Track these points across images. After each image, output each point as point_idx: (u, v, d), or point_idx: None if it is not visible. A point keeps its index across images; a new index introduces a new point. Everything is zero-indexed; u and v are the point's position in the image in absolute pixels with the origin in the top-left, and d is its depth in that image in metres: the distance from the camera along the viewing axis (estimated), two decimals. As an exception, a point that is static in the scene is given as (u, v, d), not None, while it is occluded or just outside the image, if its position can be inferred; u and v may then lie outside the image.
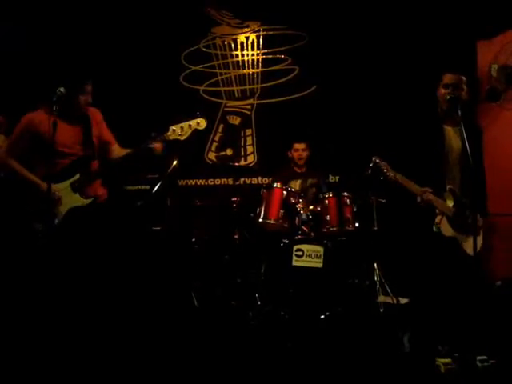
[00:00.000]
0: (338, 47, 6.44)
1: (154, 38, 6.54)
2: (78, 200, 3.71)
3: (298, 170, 5.79)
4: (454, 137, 3.83)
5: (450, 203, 3.75)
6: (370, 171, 3.93)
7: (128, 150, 3.85)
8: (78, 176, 3.74)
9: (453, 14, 5.97)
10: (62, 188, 3.69)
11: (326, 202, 4.97)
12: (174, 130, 3.72)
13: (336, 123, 6.36)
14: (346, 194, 4.88)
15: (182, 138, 3.74)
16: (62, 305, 3.61)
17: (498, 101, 6.00)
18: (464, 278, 3.69)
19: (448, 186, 3.76)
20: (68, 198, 3.69)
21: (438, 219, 3.76)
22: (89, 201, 3.75)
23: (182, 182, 6.63)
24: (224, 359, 3.74)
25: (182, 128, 3.72)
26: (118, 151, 3.96)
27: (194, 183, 6.71)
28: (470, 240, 3.61)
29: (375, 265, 5.09)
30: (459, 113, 3.61)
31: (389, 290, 4.92)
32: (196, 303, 4.94)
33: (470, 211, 3.70)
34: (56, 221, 3.65)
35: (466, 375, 3.27)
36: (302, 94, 6.65)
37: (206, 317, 4.73)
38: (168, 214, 5.63)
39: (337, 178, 6.45)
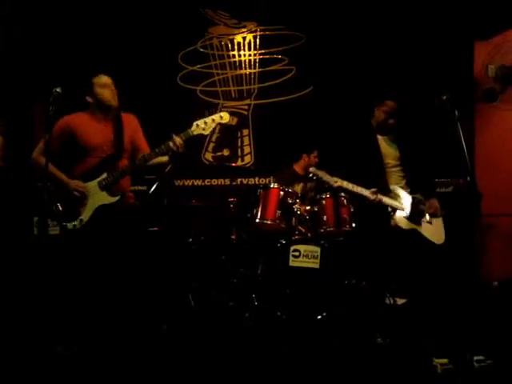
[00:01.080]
0: (335, 48, 6.45)
1: (151, 38, 6.53)
2: (105, 198, 3.79)
3: (301, 173, 5.81)
4: (387, 145, 4.23)
5: (401, 200, 4.09)
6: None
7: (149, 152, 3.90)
8: (105, 175, 3.81)
9: (450, 15, 5.98)
10: (91, 187, 3.79)
11: (323, 202, 4.96)
12: (197, 125, 3.77)
13: (332, 123, 6.36)
14: (343, 194, 4.87)
15: (206, 133, 3.79)
16: (62, 301, 3.67)
17: (495, 101, 6.01)
18: (457, 280, 3.81)
19: (391, 186, 4.13)
20: (96, 196, 3.78)
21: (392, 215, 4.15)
22: (116, 198, 3.82)
23: (178, 183, 6.63)
24: (221, 360, 3.74)
25: (205, 123, 3.77)
26: None
27: (190, 183, 6.71)
28: (430, 229, 3.93)
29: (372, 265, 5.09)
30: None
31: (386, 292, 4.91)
32: (193, 303, 4.93)
33: (427, 201, 4.12)
34: (84, 218, 3.74)
35: (462, 375, 3.27)
36: (298, 94, 6.66)
37: (202, 317, 4.72)
38: (165, 214, 5.61)
39: (334, 178, 6.44)
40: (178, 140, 3.73)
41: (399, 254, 4.05)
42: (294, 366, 3.63)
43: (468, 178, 3.71)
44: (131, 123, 4.07)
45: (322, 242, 4.71)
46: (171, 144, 3.73)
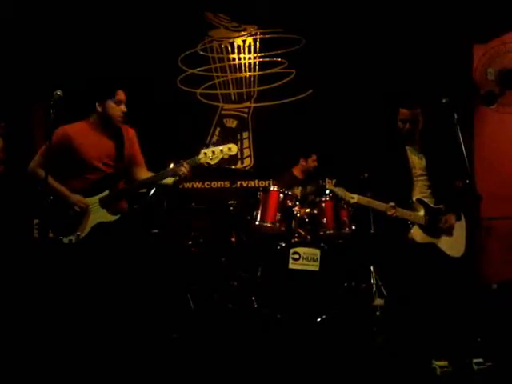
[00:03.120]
0: (335, 51, 6.46)
1: (151, 40, 6.53)
2: (105, 216, 3.74)
3: (300, 177, 5.82)
4: (413, 155, 4.11)
5: (421, 212, 3.98)
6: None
7: (151, 174, 3.89)
8: (107, 192, 3.76)
9: (449, 19, 5.99)
10: (91, 202, 3.73)
11: (323, 205, 4.98)
12: (205, 154, 3.73)
13: (332, 126, 6.38)
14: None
15: (213, 163, 3.75)
16: (63, 306, 3.64)
17: (494, 105, 6.02)
18: (450, 280, 3.79)
19: (415, 198, 4.01)
20: (96, 212, 3.73)
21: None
22: (116, 217, 3.77)
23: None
24: (220, 362, 3.74)
25: (213, 152, 3.73)
26: (143, 173, 3.97)
27: (190, 186, 6.71)
28: (448, 242, 3.88)
29: (371, 268, 5.10)
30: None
31: (385, 293, 4.92)
32: (192, 306, 4.93)
33: (444, 215, 3.97)
34: (81, 234, 3.69)
35: (462, 378, 3.28)
36: (298, 97, 6.67)
37: (202, 319, 4.72)
38: (165, 217, 5.62)
39: (333, 181, 6.46)
40: (185, 168, 3.69)
41: (408, 264, 4.00)
42: (294, 368, 3.63)
43: (467, 181, 3.73)
44: (129, 136, 3.99)
45: (322, 244, 4.73)
46: (179, 170, 3.69)
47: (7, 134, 5.39)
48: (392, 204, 3.92)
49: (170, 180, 3.85)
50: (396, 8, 6.18)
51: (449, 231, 3.98)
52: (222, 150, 3.73)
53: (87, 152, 3.74)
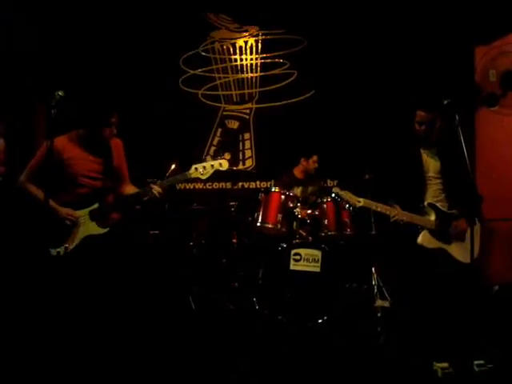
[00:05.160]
0: (337, 52, 6.46)
1: (153, 41, 6.54)
2: (94, 228, 3.77)
3: (300, 177, 5.81)
4: (429, 158, 4.09)
5: (432, 216, 3.94)
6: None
7: (136, 190, 3.94)
8: (96, 205, 3.79)
9: (451, 20, 5.98)
10: (81, 215, 3.76)
11: (324, 206, 4.98)
12: (196, 169, 3.82)
13: (334, 127, 6.38)
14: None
15: (204, 177, 3.84)
16: (64, 309, 3.63)
17: (496, 106, 6.01)
18: (457, 284, 3.76)
19: (426, 202, 3.98)
20: (85, 225, 3.76)
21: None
22: (105, 230, 3.80)
23: (180, 186, 6.63)
24: (221, 363, 3.75)
25: (204, 167, 3.82)
26: (128, 188, 4.02)
27: (192, 187, 6.71)
28: (458, 247, 3.82)
29: (373, 269, 5.10)
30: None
31: (386, 295, 4.92)
32: (193, 307, 4.93)
33: (455, 220, 3.94)
34: (69, 246, 3.70)
35: (463, 379, 3.27)
36: (300, 98, 6.67)
37: (203, 321, 4.73)
38: (166, 217, 5.62)
39: (335, 182, 6.46)
40: (156, 189, 3.79)
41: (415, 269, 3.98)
42: (295, 369, 3.63)
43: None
44: (117, 149, 4.01)
45: (323, 245, 4.73)
46: (153, 189, 3.79)
47: (8, 135, 5.40)
48: (396, 207, 3.90)
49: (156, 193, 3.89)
50: (398, 9, 6.18)
51: (460, 237, 3.93)
52: (212, 166, 3.83)
53: (76, 165, 3.77)
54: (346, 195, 4.01)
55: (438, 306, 3.77)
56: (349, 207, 4.78)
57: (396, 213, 3.87)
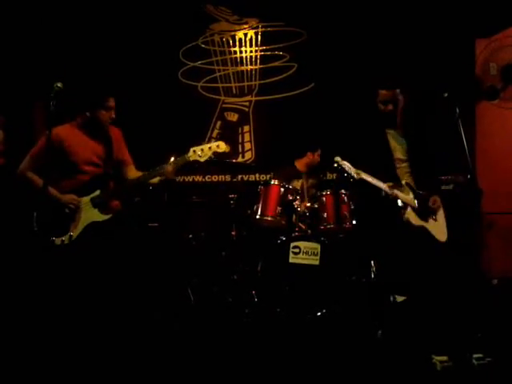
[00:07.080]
0: (336, 44, 6.44)
1: (153, 33, 6.51)
2: (97, 215, 3.80)
3: (303, 170, 5.79)
4: (394, 139, 4.27)
5: (411, 195, 4.18)
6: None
7: (142, 173, 3.97)
8: (98, 192, 3.83)
9: (451, 13, 5.97)
10: (83, 202, 3.79)
11: (324, 199, 4.97)
12: (194, 151, 3.86)
13: (333, 120, 6.36)
14: (343, 191, 4.87)
15: (202, 160, 3.87)
16: (63, 303, 3.64)
17: (496, 99, 6.00)
18: (457, 278, 3.84)
19: (403, 181, 4.19)
20: (88, 212, 3.79)
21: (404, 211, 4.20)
22: (107, 217, 3.84)
23: (179, 179, 6.61)
24: (220, 356, 3.74)
25: (202, 150, 3.86)
26: (133, 172, 4.09)
27: (191, 179, 6.70)
28: (435, 225, 3.98)
29: (372, 262, 5.09)
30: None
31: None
32: (192, 299, 4.93)
33: (431, 196, 4.17)
34: (74, 234, 3.73)
35: (462, 373, 3.27)
36: (299, 90, 6.65)
37: (202, 313, 4.73)
38: (165, 210, 5.62)
39: (334, 175, 6.45)
40: (170, 167, 3.83)
41: (406, 251, 4.09)
42: (293, 363, 3.63)
43: (468, 176, 3.73)
44: (117, 137, 4.09)
45: (322, 238, 4.72)
46: (167, 168, 3.83)
47: (8, 126, 5.39)
48: (391, 184, 4.00)
49: (155, 179, 3.93)
50: (398, 1, 6.16)
51: (435, 213, 4.09)
52: (210, 148, 3.86)
53: (77, 153, 3.83)
54: (346, 166, 4.12)
55: (437, 300, 3.78)
56: (353, 180, 4.78)
57: (390, 187, 4.00)
